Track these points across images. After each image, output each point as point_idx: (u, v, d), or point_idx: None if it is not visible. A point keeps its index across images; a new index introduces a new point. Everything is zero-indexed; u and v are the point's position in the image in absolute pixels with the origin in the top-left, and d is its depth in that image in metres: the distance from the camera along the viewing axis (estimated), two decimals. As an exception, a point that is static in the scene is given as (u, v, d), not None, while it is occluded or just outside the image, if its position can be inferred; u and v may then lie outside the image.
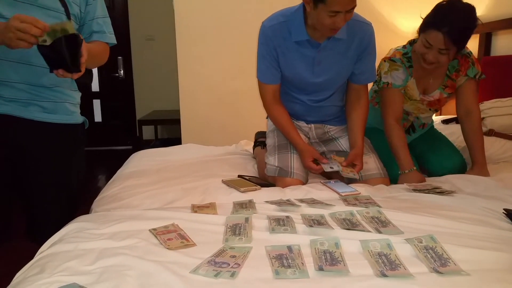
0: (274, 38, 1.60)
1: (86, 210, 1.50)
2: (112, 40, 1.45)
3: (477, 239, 1.04)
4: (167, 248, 0.98)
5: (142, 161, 2.01)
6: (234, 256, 0.94)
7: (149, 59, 5.02)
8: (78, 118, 1.45)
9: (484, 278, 0.86)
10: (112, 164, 2.03)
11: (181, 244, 1.00)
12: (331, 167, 1.61)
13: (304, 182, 1.67)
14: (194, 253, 0.96)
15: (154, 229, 1.09)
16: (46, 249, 1.02)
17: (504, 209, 1.23)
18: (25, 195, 1.40)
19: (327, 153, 1.81)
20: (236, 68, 3.02)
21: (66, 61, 1.13)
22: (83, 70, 1.19)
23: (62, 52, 1.12)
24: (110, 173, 1.88)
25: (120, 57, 4.90)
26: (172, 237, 1.04)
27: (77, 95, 1.45)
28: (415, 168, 1.69)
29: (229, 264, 0.90)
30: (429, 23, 1.60)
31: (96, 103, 5.15)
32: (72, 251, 0.97)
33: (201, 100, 3.10)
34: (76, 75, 1.18)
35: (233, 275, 0.86)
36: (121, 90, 5.12)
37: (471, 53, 1.77)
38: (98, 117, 5.19)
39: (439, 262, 0.90)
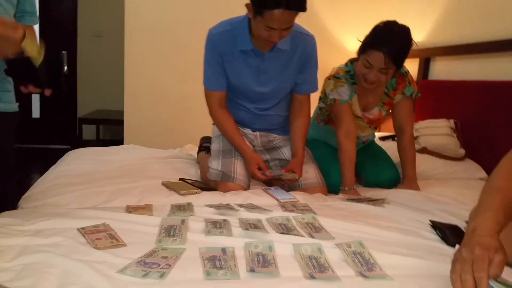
0: (221, 45, 1.62)
1: (14, 208, 1.40)
2: (37, 22, 1.40)
3: (403, 247, 1.09)
4: (95, 248, 0.94)
5: (77, 159, 1.93)
6: (165, 257, 0.91)
7: (96, 56, 4.83)
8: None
9: (405, 282, 0.90)
10: (49, 163, 1.92)
11: (110, 244, 0.96)
12: (274, 173, 1.67)
13: (246, 188, 1.67)
14: (124, 254, 0.93)
15: (83, 228, 1.04)
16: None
17: (430, 220, 1.30)
18: None
19: (271, 161, 1.83)
20: (185, 71, 2.99)
21: (40, 78, 1.08)
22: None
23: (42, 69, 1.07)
24: (44, 172, 1.78)
25: (64, 52, 4.68)
26: (101, 237, 0.99)
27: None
28: (355, 187, 1.76)
29: (159, 265, 0.87)
30: (368, 44, 1.67)
31: (35, 97, 4.86)
32: (-10, 247, 0.91)
33: (146, 101, 3.03)
34: (49, 92, 1.13)
35: (162, 275, 0.83)
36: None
37: (408, 72, 1.88)
38: (36, 113, 4.90)
39: (365, 266, 0.94)
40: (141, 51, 2.97)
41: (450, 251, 1.06)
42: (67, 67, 4.76)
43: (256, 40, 1.57)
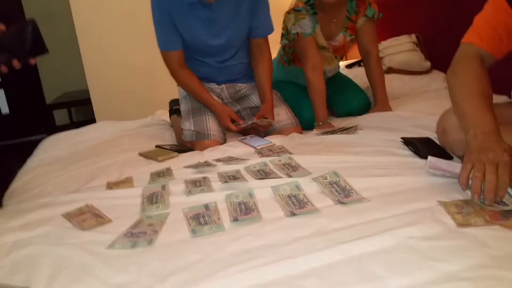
0: (167, 2, 1.57)
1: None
2: None
3: (377, 168, 1.14)
4: (82, 229, 0.96)
5: (53, 146, 1.90)
6: (151, 225, 0.94)
7: (50, 38, 4.60)
8: None
9: (383, 202, 0.94)
10: (28, 156, 1.90)
11: (96, 222, 0.98)
12: (248, 123, 1.67)
13: (222, 142, 1.69)
14: (111, 229, 0.95)
15: (68, 213, 1.05)
16: None
17: (401, 137, 1.34)
18: None
19: (242, 111, 1.84)
20: (140, 37, 2.86)
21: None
22: None
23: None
24: (25, 165, 1.76)
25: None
26: (86, 218, 1.01)
27: None
28: (328, 120, 1.78)
29: (146, 233, 0.90)
30: None
31: (0, 94, 4.70)
32: (-21, 250, 0.92)
33: (109, 76, 2.95)
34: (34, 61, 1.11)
35: (150, 242, 0.87)
36: (26, 76, 4.70)
37: None
38: (5, 109, 4.76)
39: (342, 194, 0.98)
40: (93, 25, 2.84)
41: (422, 163, 1.11)
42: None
43: None
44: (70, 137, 2.03)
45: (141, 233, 0.90)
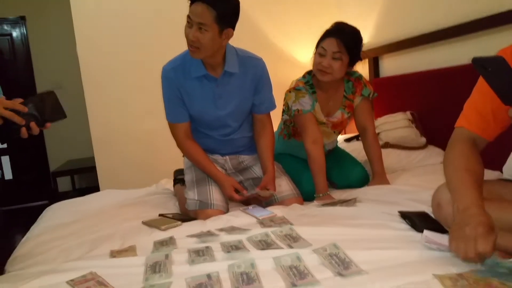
0: (176, 79, 1.70)
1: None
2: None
3: (376, 242, 1.17)
4: (86, 297, 0.97)
5: (56, 214, 1.94)
6: (154, 293, 0.96)
7: (59, 108, 4.81)
8: None
9: (381, 274, 0.97)
10: (29, 222, 1.93)
11: (100, 290, 1.00)
12: (251, 193, 1.72)
13: (225, 212, 1.72)
14: (114, 298, 0.97)
15: (72, 280, 1.07)
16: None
17: (398, 211, 1.38)
18: None
19: (244, 181, 1.90)
20: (147, 108, 3.03)
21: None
22: None
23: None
24: (27, 232, 1.78)
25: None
26: (90, 285, 1.03)
27: None
28: (328, 192, 1.84)
29: (149, 302, 0.92)
30: (323, 36, 1.84)
31: (5, 160, 4.81)
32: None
33: (115, 145, 3.05)
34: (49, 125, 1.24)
35: (153, 311, 0.88)
36: (31, 142, 4.83)
37: (362, 76, 2.00)
38: (8, 175, 4.83)
39: (342, 266, 1.00)
40: (101, 94, 3.00)
41: (419, 236, 1.14)
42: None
43: (210, 66, 1.68)
44: (74, 205, 2.07)
45: (144, 302, 0.92)
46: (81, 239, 1.52)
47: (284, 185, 1.80)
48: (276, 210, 1.58)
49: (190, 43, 1.58)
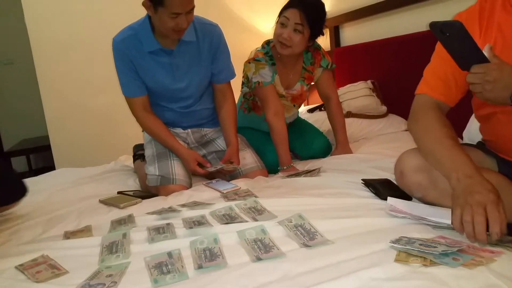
0: (128, 51, 1.60)
1: None
2: None
3: (340, 210, 1.16)
4: (36, 282, 0.90)
5: (7, 195, 1.81)
6: (110, 275, 0.90)
7: (10, 85, 4.51)
8: None
9: (347, 243, 0.95)
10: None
11: (52, 274, 0.93)
12: (215, 167, 1.66)
13: (188, 187, 1.67)
14: (67, 281, 0.90)
15: (21, 265, 0.99)
16: None
17: (362, 179, 1.38)
18: None
19: (208, 155, 1.84)
20: (102, 83, 2.88)
21: None
22: None
23: None
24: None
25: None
26: (41, 269, 0.96)
27: None
28: (292, 164, 1.81)
29: (104, 284, 0.86)
30: (285, 6, 1.77)
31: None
32: None
33: (70, 122, 2.90)
34: None
35: (109, 293, 0.83)
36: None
37: (320, 46, 1.96)
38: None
39: (308, 237, 0.98)
40: (54, 71, 2.82)
41: (383, 204, 1.14)
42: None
43: (163, 35, 1.57)
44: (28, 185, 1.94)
45: (99, 285, 0.86)
46: (33, 220, 1.43)
47: (248, 158, 1.76)
48: (240, 183, 1.55)
49: None
